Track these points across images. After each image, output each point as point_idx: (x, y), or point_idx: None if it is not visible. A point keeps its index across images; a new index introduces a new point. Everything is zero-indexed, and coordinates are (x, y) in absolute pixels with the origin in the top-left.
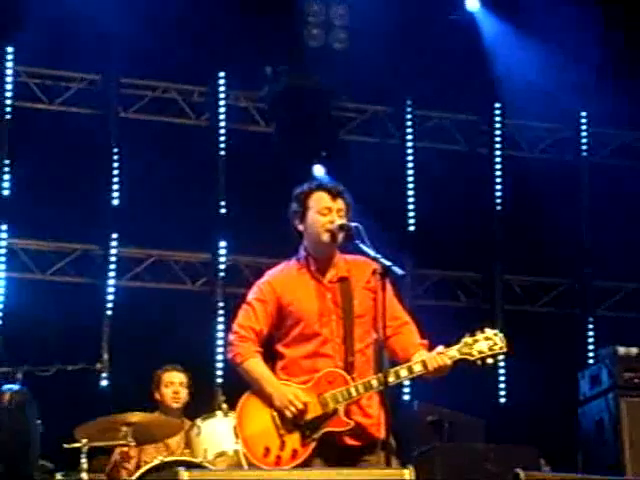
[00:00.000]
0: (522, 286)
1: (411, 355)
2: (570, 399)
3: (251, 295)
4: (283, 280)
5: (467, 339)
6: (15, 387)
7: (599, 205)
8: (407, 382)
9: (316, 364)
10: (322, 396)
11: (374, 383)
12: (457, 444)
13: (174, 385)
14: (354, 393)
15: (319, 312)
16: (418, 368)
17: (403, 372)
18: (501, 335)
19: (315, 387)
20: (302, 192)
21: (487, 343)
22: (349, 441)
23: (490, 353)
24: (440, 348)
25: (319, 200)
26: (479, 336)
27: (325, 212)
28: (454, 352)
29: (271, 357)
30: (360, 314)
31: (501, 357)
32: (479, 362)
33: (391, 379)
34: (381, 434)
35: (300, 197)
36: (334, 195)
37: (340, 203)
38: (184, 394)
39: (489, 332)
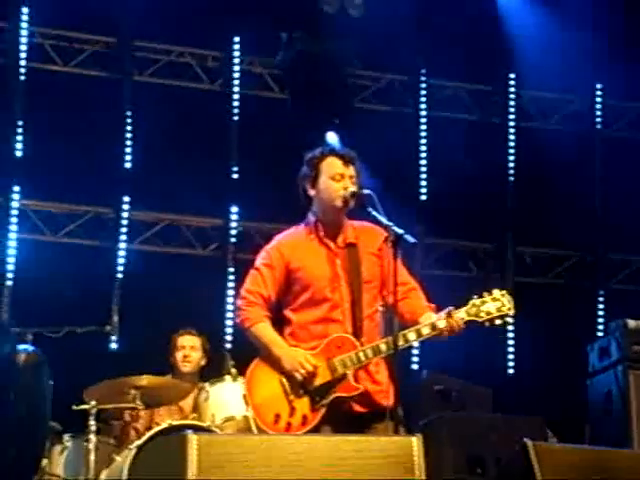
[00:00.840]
0: (533, 257)
1: (419, 317)
2: (579, 371)
3: (259, 260)
4: (291, 245)
5: (475, 300)
6: (29, 348)
7: (612, 178)
8: (416, 351)
9: (325, 329)
10: (331, 361)
11: (383, 347)
12: (465, 414)
13: (185, 349)
14: (363, 358)
15: (328, 277)
16: (426, 331)
17: (411, 335)
18: (509, 296)
19: (324, 352)
20: (314, 157)
21: (495, 304)
22: (357, 408)
23: (498, 314)
24: (449, 309)
25: (332, 165)
26: (487, 297)
27: (338, 178)
28: (462, 314)
29: (279, 323)
30: (368, 279)
31: (510, 320)
32: (487, 323)
33: (400, 343)
34: (389, 402)
35: (312, 161)
36: (346, 161)
37: (352, 169)
38: (195, 358)
39: (497, 293)
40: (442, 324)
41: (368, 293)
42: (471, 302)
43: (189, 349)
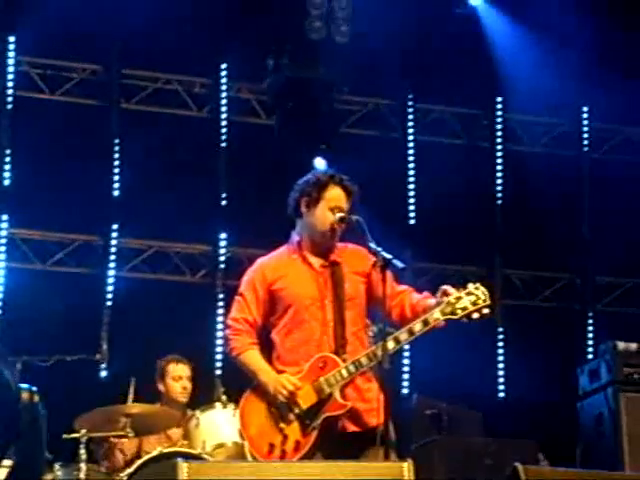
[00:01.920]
0: (522, 280)
1: (421, 308)
2: (569, 394)
3: (242, 286)
4: (274, 266)
5: (449, 298)
6: (27, 386)
7: (601, 200)
8: (406, 375)
9: (309, 350)
10: (316, 382)
11: (363, 361)
12: (456, 438)
13: (182, 380)
14: (345, 374)
15: (312, 296)
16: (419, 327)
17: (403, 335)
18: (483, 288)
19: (308, 374)
20: (321, 180)
21: (469, 298)
22: (349, 427)
23: (474, 308)
24: (443, 292)
25: (336, 197)
26: (461, 293)
27: (337, 211)
28: (437, 314)
29: (268, 346)
30: (351, 296)
31: (487, 312)
32: (465, 319)
33: (391, 345)
34: (380, 420)
35: (317, 184)
36: (349, 195)
37: (350, 203)
38: (190, 387)
39: (471, 287)
40: (436, 315)
41: (351, 310)
42: (446, 300)
43: (186, 379)
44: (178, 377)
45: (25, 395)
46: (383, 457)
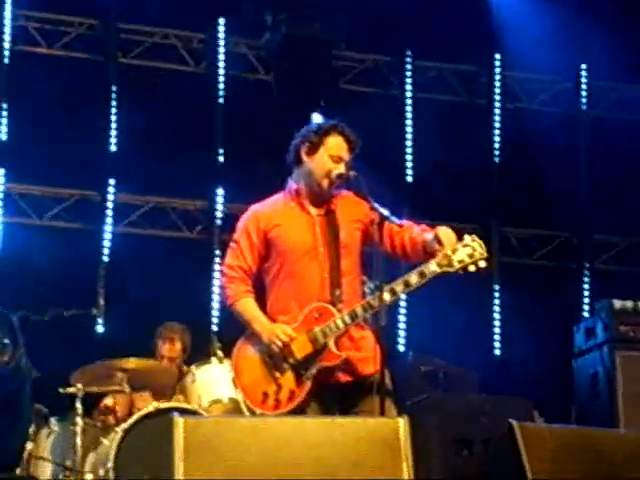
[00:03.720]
0: (519, 238)
1: (420, 242)
2: (565, 352)
3: (237, 233)
4: (268, 213)
5: (446, 251)
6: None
7: (598, 158)
8: (402, 332)
9: (304, 299)
10: (311, 332)
11: (359, 311)
12: (451, 395)
13: (174, 360)
14: (341, 324)
15: (306, 244)
16: (415, 279)
17: (399, 287)
18: (480, 241)
19: (303, 324)
20: (324, 127)
21: (466, 251)
22: (343, 378)
23: (471, 260)
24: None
25: (337, 146)
26: (457, 245)
27: (336, 159)
28: (434, 267)
29: (263, 293)
30: (346, 243)
31: (483, 265)
32: (461, 272)
33: (387, 297)
34: (376, 368)
35: (320, 131)
36: (351, 147)
37: (350, 156)
38: (184, 356)
39: (467, 239)
40: (432, 267)
41: (347, 259)
42: (442, 253)
43: (178, 357)
44: (170, 358)
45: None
46: (379, 406)
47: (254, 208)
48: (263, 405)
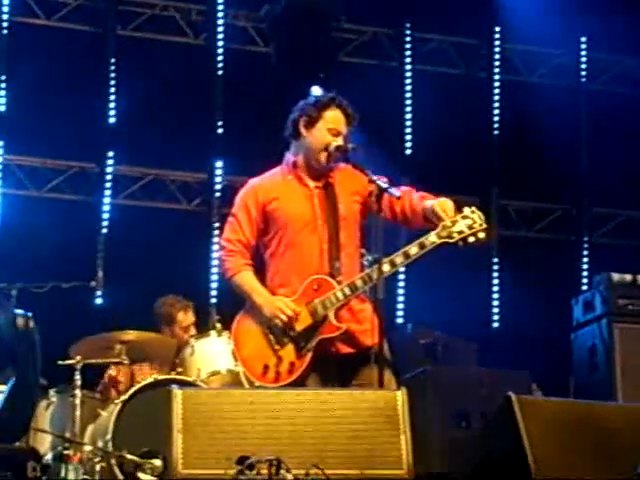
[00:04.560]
0: (518, 211)
1: (421, 209)
2: (563, 325)
3: (235, 206)
4: (267, 186)
5: (445, 222)
6: (22, 312)
7: (597, 131)
8: (400, 305)
9: (303, 272)
10: (311, 304)
11: (359, 283)
12: (450, 367)
13: (190, 329)
14: (341, 296)
15: (306, 216)
16: (415, 250)
17: (398, 258)
18: (479, 212)
19: (303, 296)
20: (322, 101)
21: (465, 222)
22: (343, 349)
23: (470, 232)
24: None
25: (335, 119)
26: (457, 217)
27: (335, 133)
28: (433, 237)
29: (261, 267)
30: (345, 216)
31: (482, 236)
32: (460, 243)
33: (386, 268)
34: (375, 340)
35: (318, 104)
36: (349, 121)
37: (348, 129)
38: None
39: (467, 210)
40: (432, 239)
41: (345, 230)
42: (441, 224)
43: (192, 326)
44: (187, 327)
45: (20, 321)
46: (377, 376)
47: (252, 182)
48: (263, 378)
